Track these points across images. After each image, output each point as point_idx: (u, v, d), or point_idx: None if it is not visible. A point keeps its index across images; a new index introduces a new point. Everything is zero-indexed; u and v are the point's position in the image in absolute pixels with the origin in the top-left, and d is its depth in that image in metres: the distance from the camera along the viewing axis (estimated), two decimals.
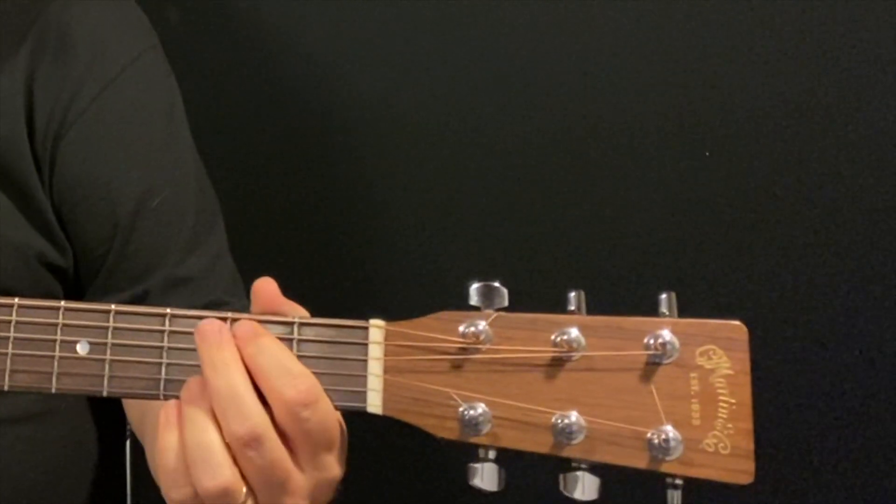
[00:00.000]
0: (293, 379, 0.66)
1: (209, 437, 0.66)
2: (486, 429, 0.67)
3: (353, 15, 1.19)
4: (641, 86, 1.12)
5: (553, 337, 0.68)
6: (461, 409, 0.67)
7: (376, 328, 0.69)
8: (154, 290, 0.94)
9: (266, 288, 0.71)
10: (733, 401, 0.67)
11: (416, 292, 1.15)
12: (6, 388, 0.71)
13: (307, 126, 1.23)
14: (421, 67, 1.19)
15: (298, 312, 0.71)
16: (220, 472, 0.66)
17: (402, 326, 0.69)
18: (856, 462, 1.09)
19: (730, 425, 0.67)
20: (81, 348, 0.71)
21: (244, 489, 0.67)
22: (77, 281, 0.97)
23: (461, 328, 0.68)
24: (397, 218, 1.20)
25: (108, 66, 0.95)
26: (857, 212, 1.09)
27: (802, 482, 1.11)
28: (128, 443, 1.09)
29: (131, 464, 1.09)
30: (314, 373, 0.68)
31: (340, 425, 0.70)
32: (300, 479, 0.68)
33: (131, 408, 0.99)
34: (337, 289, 0.93)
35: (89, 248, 0.95)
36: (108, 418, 1.03)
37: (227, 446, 0.66)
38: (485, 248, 1.13)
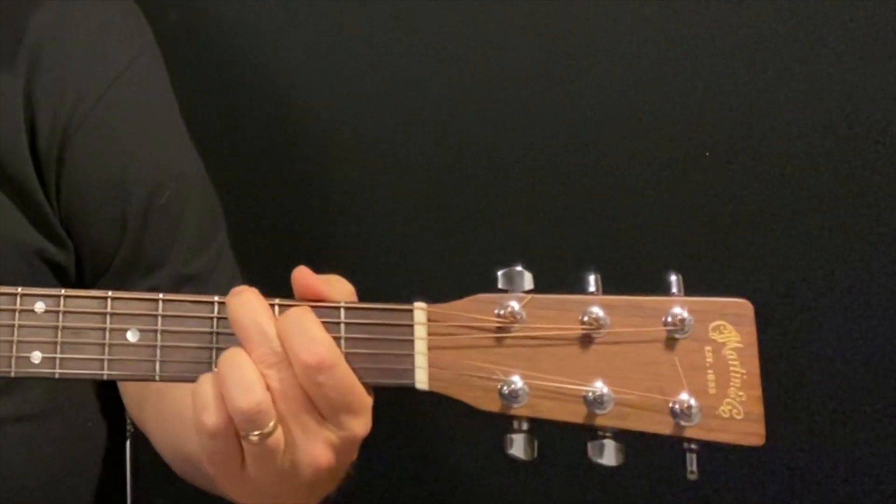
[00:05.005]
0: (310, 343, 0.69)
1: (243, 360, 0.68)
2: (524, 401, 0.72)
3: (354, 14, 1.22)
4: (643, 82, 1.17)
5: (580, 316, 0.74)
6: (501, 383, 0.72)
7: (420, 310, 0.73)
8: (162, 286, 0.96)
9: (301, 277, 0.73)
10: (744, 371, 0.74)
11: (433, 281, 1.20)
12: (57, 376, 0.73)
13: (311, 121, 1.25)
14: (435, 60, 1.22)
15: (344, 286, 0.74)
16: (253, 390, 0.67)
17: (443, 308, 0.73)
18: (856, 433, 1.17)
19: (741, 393, 0.73)
20: (132, 335, 0.73)
21: (275, 418, 0.68)
22: (80, 277, 0.98)
23: (497, 309, 0.73)
24: (412, 210, 1.23)
25: (111, 65, 0.96)
26: (856, 212, 1.15)
27: (805, 451, 1.18)
28: (128, 443, 1.10)
29: (131, 464, 1.11)
30: (362, 353, 0.72)
31: (366, 391, 0.71)
32: (324, 430, 0.70)
33: (129, 393, 1.01)
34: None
35: (98, 247, 0.96)
36: (109, 418, 1.04)
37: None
38: (496, 240, 1.18)
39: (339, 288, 0.73)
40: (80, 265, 0.98)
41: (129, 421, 1.08)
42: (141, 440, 1.05)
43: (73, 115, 0.94)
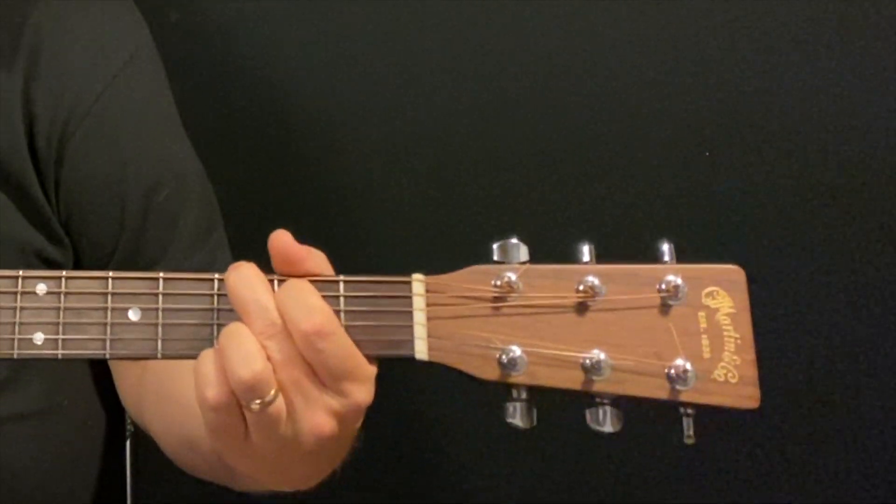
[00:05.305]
0: (308, 312, 0.69)
1: (242, 333, 0.69)
2: (523, 369, 0.73)
3: (353, 13, 1.24)
4: (637, 65, 1.19)
5: (576, 285, 0.75)
6: (500, 352, 0.73)
7: (418, 282, 0.74)
8: None
9: (281, 240, 0.73)
10: (737, 335, 0.75)
11: (430, 254, 1.21)
12: (60, 356, 0.74)
13: (309, 105, 1.26)
14: (433, 41, 1.23)
15: (321, 258, 0.74)
16: (254, 360, 0.68)
17: (441, 279, 0.75)
18: (850, 396, 1.18)
19: (736, 357, 0.74)
20: (133, 314, 0.74)
21: (275, 387, 0.69)
22: None
23: (494, 280, 0.74)
24: (408, 185, 1.25)
25: (109, 64, 0.97)
26: (857, 213, 1.17)
27: (797, 414, 1.19)
28: (128, 443, 1.10)
29: (131, 463, 1.11)
30: (361, 325, 0.73)
31: (368, 361, 0.72)
32: (326, 397, 0.70)
33: (127, 390, 1.01)
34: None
35: (97, 245, 0.97)
36: (109, 418, 1.05)
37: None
38: (491, 214, 1.20)
39: (316, 259, 0.74)
40: (79, 263, 0.98)
41: (129, 420, 1.08)
42: (141, 440, 1.05)
43: (72, 115, 0.95)
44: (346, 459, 0.80)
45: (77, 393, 1.02)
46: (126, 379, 1.01)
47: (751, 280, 0.76)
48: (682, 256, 0.76)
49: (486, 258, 0.75)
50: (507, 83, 1.23)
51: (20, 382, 0.96)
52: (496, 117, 1.23)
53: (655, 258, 0.77)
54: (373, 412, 0.76)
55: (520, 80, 1.22)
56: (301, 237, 0.75)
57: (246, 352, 0.69)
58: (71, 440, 1.01)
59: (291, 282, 0.72)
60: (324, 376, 0.70)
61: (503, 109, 1.23)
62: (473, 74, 1.23)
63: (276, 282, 0.74)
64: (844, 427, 1.19)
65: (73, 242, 0.97)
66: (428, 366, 0.74)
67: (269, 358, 0.69)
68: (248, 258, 1.01)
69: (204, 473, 0.93)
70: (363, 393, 0.71)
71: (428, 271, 0.75)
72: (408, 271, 0.76)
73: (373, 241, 1.27)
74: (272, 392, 0.69)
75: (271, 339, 0.70)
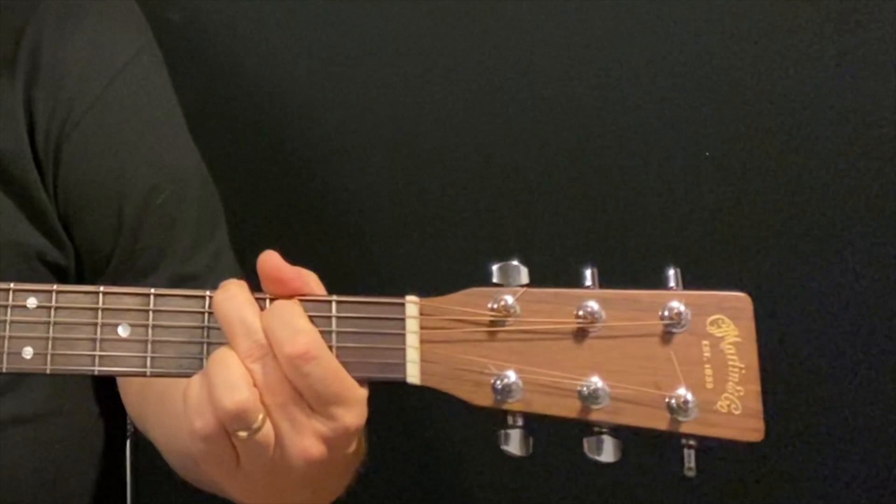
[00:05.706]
0: (293, 335, 0.68)
1: (229, 359, 0.68)
2: (518, 396, 0.71)
3: (353, 13, 1.23)
4: (639, 77, 1.17)
5: (575, 310, 0.72)
6: (495, 377, 0.71)
7: (412, 304, 0.72)
8: (159, 286, 0.95)
9: (270, 261, 0.72)
10: (742, 365, 0.72)
11: (428, 276, 1.20)
12: (49, 371, 0.73)
13: (309, 120, 1.25)
14: (433, 56, 1.22)
15: (313, 279, 0.73)
16: (238, 389, 0.67)
17: (435, 302, 0.73)
18: (856, 421, 1.16)
19: (740, 388, 0.72)
20: (123, 330, 0.73)
21: (262, 413, 0.68)
22: (80, 278, 0.98)
23: (490, 303, 0.72)
24: (407, 204, 1.23)
25: (109, 64, 0.96)
26: (856, 208, 1.15)
27: (804, 442, 1.17)
28: (128, 443, 1.10)
29: (131, 464, 1.11)
30: (353, 347, 0.71)
31: (358, 383, 0.71)
32: (313, 421, 0.69)
33: (130, 400, 1.00)
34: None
35: (95, 247, 0.96)
36: (109, 419, 1.04)
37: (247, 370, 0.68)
38: (492, 234, 1.18)
39: (306, 279, 0.72)
40: (80, 265, 0.98)
41: (129, 421, 1.08)
42: (141, 440, 1.05)
43: (69, 116, 0.94)
44: (350, 486, 0.79)
45: (77, 396, 1.01)
46: (129, 385, 1.00)
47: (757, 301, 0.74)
48: (689, 272, 0.74)
49: (489, 278, 0.73)
50: (513, 98, 1.21)
51: (21, 386, 0.96)
52: (501, 132, 1.22)
53: (662, 281, 0.74)
54: (375, 433, 0.75)
55: (525, 95, 1.21)
56: (298, 241, 0.74)
57: (231, 380, 0.67)
58: (71, 442, 1.00)
59: (278, 303, 0.71)
60: (311, 400, 0.69)
61: (508, 126, 1.21)
62: (479, 88, 1.22)
63: (267, 301, 0.72)
64: (845, 439, 1.17)
65: (73, 244, 0.97)
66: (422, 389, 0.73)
67: (254, 382, 0.68)
68: (242, 263, 1.01)
69: (207, 488, 0.92)
70: (352, 416, 0.70)
71: (428, 290, 0.74)
72: (408, 289, 0.74)
73: (373, 254, 1.26)
74: (259, 419, 0.68)
75: (257, 361, 0.69)
